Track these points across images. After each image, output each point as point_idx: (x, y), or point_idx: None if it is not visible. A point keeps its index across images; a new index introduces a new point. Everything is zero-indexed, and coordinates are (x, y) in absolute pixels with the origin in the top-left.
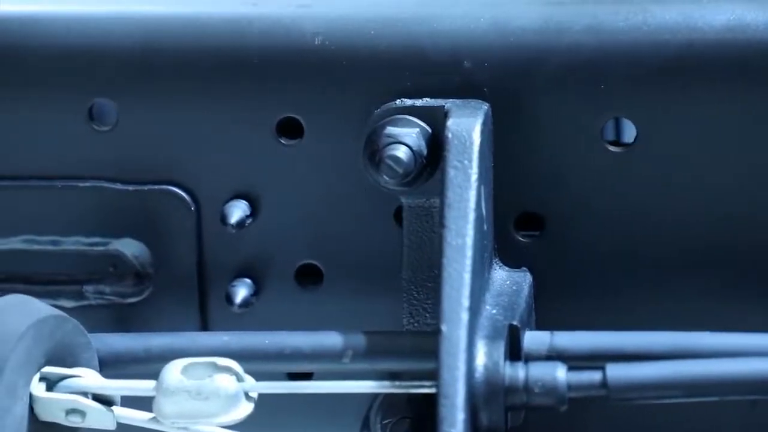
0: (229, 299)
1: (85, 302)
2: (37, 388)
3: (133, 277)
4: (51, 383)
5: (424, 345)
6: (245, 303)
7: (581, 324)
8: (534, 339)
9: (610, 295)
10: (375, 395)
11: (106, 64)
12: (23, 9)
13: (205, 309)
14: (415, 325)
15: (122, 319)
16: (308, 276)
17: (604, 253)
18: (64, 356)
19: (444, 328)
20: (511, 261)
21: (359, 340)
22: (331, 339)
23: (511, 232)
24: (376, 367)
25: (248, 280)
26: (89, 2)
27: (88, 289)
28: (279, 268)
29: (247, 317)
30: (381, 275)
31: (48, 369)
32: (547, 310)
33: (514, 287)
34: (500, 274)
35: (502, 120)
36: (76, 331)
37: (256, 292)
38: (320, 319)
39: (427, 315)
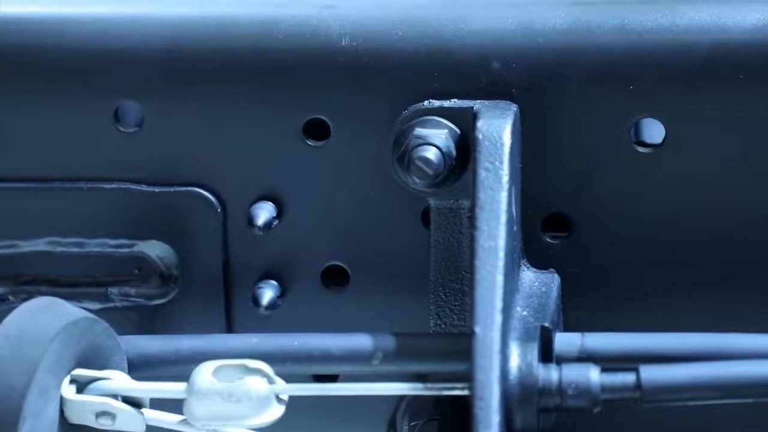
0: (256, 301)
1: (110, 304)
2: (68, 391)
3: (158, 279)
4: (81, 385)
5: (455, 347)
6: (272, 305)
7: (609, 326)
8: (565, 340)
9: (638, 297)
10: (401, 397)
11: (132, 65)
12: (49, 11)
13: (230, 311)
14: (442, 326)
15: (147, 321)
16: (334, 278)
17: (631, 255)
18: (94, 358)
19: (477, 329)
20: (538, 262)
21: (389, 341)
22: (361, 341)
23: (538, 234)
24: (405, 369)
25: (274, 282)
26: (115, 4)
27: (113, 291)
28: (305, 269)
29: (272, 319)
30: (407, 277)
31: (78, 371)
32: (573, 311)
33: (543, 289)
34: (528, 276)
35: (530, 121)
36: (106, 333)
37: (281, 294)
38: (345, 321)
39: (454, 317)
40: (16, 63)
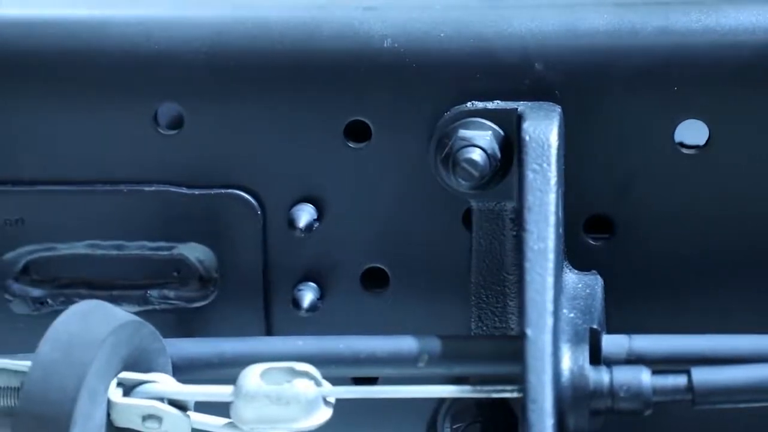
0: (297, 303)
1: (149, 307)
2: (115, 394)
3: (198, 282)
4: (127, 389)
5: (502, 349)
6: (312, 307)
7: (650, 328)
8: (612, 342)
9: (680, 299)
10: (441, 399)
11: (173, 67)
12: (90, 13)
13: (269, 313)
14: (483, 329)
15: (186, 324)
16: (373, 279)
17: (674, 256)
18: (140, 362)
19: (529, 332)
20: (580, 264)
21: (434, 344)
22: (406, 343)
23: (580, 235)
24: (451, 371)
25: (313, 284)
26: (156, 6)
27: (153, 293)
28: (344, 271)
29: (311, 321)
30: (448, 279)
31: (125, 374)
32: (614, 313)
33: (587, 290)
34: (571, 278)
35: (573, 122)
36: (152, 336)
37: (321, 296)
38: (385, 323)
39: (496, 319)
40: (56, 65)
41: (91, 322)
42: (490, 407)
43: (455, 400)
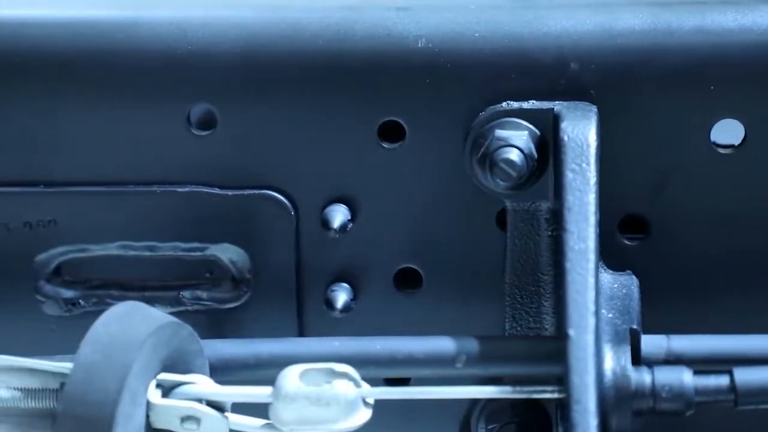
0: (330, 304)
1: (182, 308)
2: (154, 395)
3: (230, 283)
4: (165, 390)
5: (541, 350)
6: (346, 308)
7: (685, 328)
8: (651, 343)
9: (715, 299)
10: (474, 400)
11: (206, 68)
12: (123, 13)
13: (302, 314)
14: (518, 329)
15: (218, 325)
16: (407, 280)
17: (709, 256)
18: (178, 363)
19: (572, 332)
20: (614, 264)
21: (472, 344)
22: (444, 344)
23: (614, 235)
24: (488, 372)
25: (346, 285)
26: (189, 7)
27: (185, 294)
28: (377, 272)
29: (344, 322)
30: (481, 279)
31: (163, 376)
32: (650, 313)
33: (623, 291)
34: (606, 278)
35: (609, 122)
36: (191, 337)
37: (354, 297)
38: (418, 323)
39: (530, 319)
40: (90, 66)
41: (131, 324)
42: (524, 408)
43: (489, 401)
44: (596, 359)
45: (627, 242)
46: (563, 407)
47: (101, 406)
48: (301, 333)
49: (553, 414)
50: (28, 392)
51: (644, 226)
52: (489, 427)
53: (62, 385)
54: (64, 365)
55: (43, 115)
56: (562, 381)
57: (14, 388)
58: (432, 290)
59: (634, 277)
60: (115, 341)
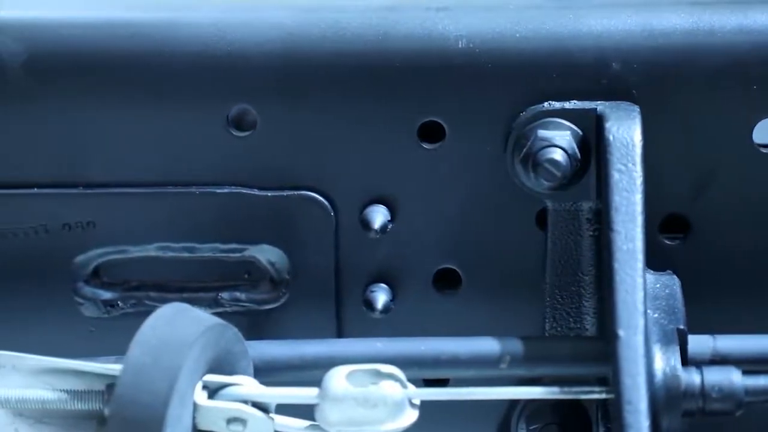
0: (370, 305)
1: (221, 309)
2: (200, 397)
3: (269, 284)
4: (211, 391)
5: (586, 350)
6: (386, 308)
7: (726, 328)
8: (697, 343)
9: (756, 299)
10: (513, 401)
11: (245, 69)
12: (162, 15)
13: (340, 315)
14: (558, 329)
15: (257, 326)
16: (446, 281)
17: (750, 256)
18: (223, 364)
19: (621, 333)
20: (655, 264)
21: (516, 345)
22: (487, 344)
23: (655, 235)
24: (532, 372)
25: (385, 286)
26: (228, 8)
27: (224, 296)
28: (416, 272)
29: (382, 323)
30: (520, 279)
31: (209, 377)
32: (690, 313)
33: (666, 291)
34: (648, 278)
35: (650, 121)
36: (236, 339)
37: (392, 298)
38: (457, 324)
39: (571, 320)
40: (129, 67)
41: (180, 326)
42: (565, 408)
43: (529, 401)
44: (646, 360)
45: (667, 242)
46: (605, 407)
47: (151, 408)
48: (340, 334)
49: (593, 414)
50: (73, 394)
51: (685, 225)
52: (530, 428)
53: (108, 386)
54: (110, 367)
55: (82, 117)
56: (604, 381)
57: (60, 390)
58: (471, 291)
59: (675, 277)
60: (164, 343)
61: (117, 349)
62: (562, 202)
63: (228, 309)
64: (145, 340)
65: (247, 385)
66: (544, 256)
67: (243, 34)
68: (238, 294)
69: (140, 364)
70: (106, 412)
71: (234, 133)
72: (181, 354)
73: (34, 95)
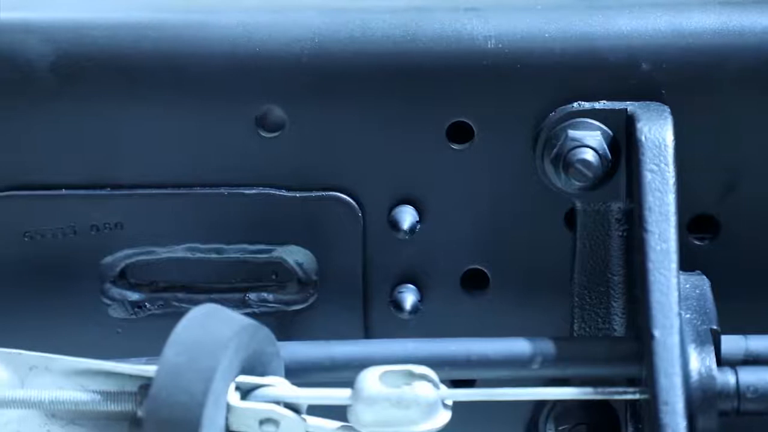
0: (398, 305)
1: (248, 310)
2: (233, 398)
3: (296, 285)
4: (243, 392)
5: (620, 351)
6: (414, 309)
7: (754, 328)
8: (729, 343)
9: None
10: (541, 402)
11: (275, 70)
12: (190, 16)
13: (368, 316)
14: (586, 330)
15: (284, 327)
16: (474, 281)
17: None
18: (256, 365)
19: (657, 333)
20: (683, 264)
21: (547, 346)
22: (519, 345)
23: (683, 235)
24: (564, 373)
25: (412, 286)
26: (256, 9)
27: (251, 296)
28: (444, 273)
29: (410, 323)
30: (548, 280)
31: (242, 378)
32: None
33: (696, 291)
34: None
35: (679, 122)
36: (268, 339)
37: (420, 298)
38: (485, 324)
39: (599, 320)
40: (157, 69)
41: (214, 326)
42: (593, 408)
43: (557, 402)
44: (682, 360)
45: (696, 242)
46: (634, 408)
47: (187, 408)
48: (367, 335)
49: (621, 414)
50: (106, 395)
51: (714, 226)
52: (560, 429)
53: (140, 388)
54: (143, 368)
55: (110, 118)
56: (633, 382)
57: (93, 391)
58: (498, 291)
59: (704, 277)
60: (199, 344)
61: (144, 350)
62: (591, 203)
63: (255, 310)
64: (180, 340)
65: (279, 386)
66: (573, 257)
67: (271, 35)
68: (265, 295)
69: (176, 365)
70: (140, 413)
71: (262, 134)
72: (216, 354)
73: (62, 96)
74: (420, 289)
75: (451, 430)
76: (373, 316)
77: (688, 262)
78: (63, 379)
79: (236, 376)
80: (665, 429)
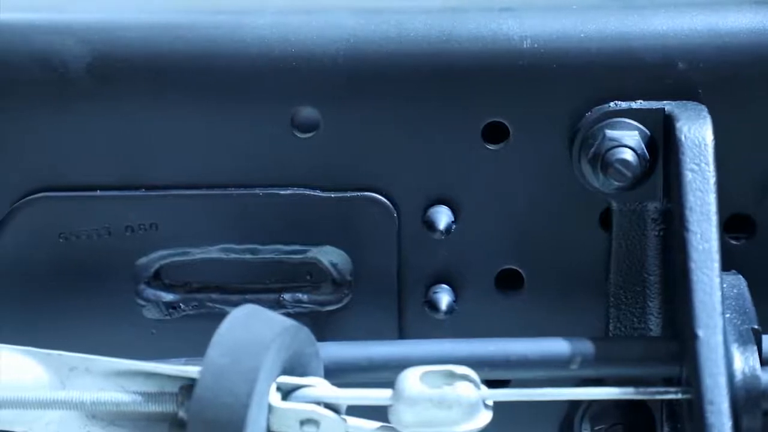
0: (434, 306)
1: (283, 311)
2: (274, 398)
3: (331, 285)
4: (284, 393)
5: (659, 351)
6: (450, 309)
7: None
8: None
9: None
10: (576, 402)
11: (310, 70)
12: (225, 17)
13: (402, 316)
14: (622, 330)
15: (319, 327)
16: (508, 281)
17: None
18: (296, 366)
19: (701, 333)
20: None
21: (586, 346)
22: (557, 345)
23: (721, 235)
24: (604, 373)
25: (447, 286)
26: (291, 10)
27: (286, 297)
28: (479, 273)
29: (445, 324)
30: (583, 280)
31: (282, 379)
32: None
33: (734, 290)
34: None
35: (715, 121)
36: (308, 340)
37: (455, 298)
38: (519, 325)
39: (635, 320)
40: (193, 70)
41: (256, 327)
42: (629, 408)
43: (593, 402)
44: (725, 360)
45: (732, 242)
46: (671, 408)
47: (232, 409)
48: (402, 335)
49: (657, 415)
50: (147, 396)
51: (750, 225)
52: (596, 429)
53: (181, 388)
54: (184, 368)
55: (145, 119)
56: (670, 381)
57: (133, 392)
58: (533, 291)
59: (741, 276)
60: (242, 345)
61: (179, 351)
62: (627, 203)
63: (290, 310)
64: (224, 341)
65: (320, 386)
66: (608, 257)
67: (306, 35)
68: (300, 295)
69: (219, 366)
70: (182, 413)
71: (297, 134)
72: (259, 355)
73: (97, 98)
74: (454, 289)
75: (485, 429)
76: (408, 316)
77: (724, 262)
78: (103, 380)
79: (277, 377)
80: (711, 429)
